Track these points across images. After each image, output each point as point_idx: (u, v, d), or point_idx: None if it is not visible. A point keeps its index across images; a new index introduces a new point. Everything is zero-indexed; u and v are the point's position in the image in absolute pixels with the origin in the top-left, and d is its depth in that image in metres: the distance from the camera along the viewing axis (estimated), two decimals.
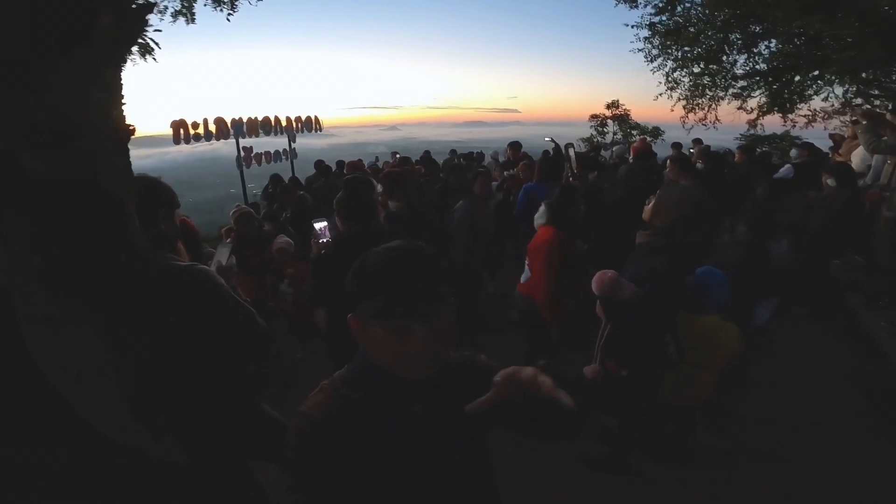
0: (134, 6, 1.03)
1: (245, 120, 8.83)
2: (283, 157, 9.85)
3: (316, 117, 10.47)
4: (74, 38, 0.86)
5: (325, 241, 2.38)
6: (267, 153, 9.37)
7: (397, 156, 8.21)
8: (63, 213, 0.85)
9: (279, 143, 10.04)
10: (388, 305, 0.83)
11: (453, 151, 10.25)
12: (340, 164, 8.84)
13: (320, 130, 10.58)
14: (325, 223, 2.48)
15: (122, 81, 1.00)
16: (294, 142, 10.01)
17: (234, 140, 8.68)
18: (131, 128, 1.04)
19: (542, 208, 3.12)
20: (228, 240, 4.57)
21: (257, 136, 9.06)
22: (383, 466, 0.88)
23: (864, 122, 4.16)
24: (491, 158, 8.68)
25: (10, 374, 0.92)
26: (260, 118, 9.21)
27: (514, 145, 7.00)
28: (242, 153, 8.78)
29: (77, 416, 0.96)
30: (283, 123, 9.73)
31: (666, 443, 2.76)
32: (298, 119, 10.17)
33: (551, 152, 7.24)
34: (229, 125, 8.53)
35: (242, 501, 1.36)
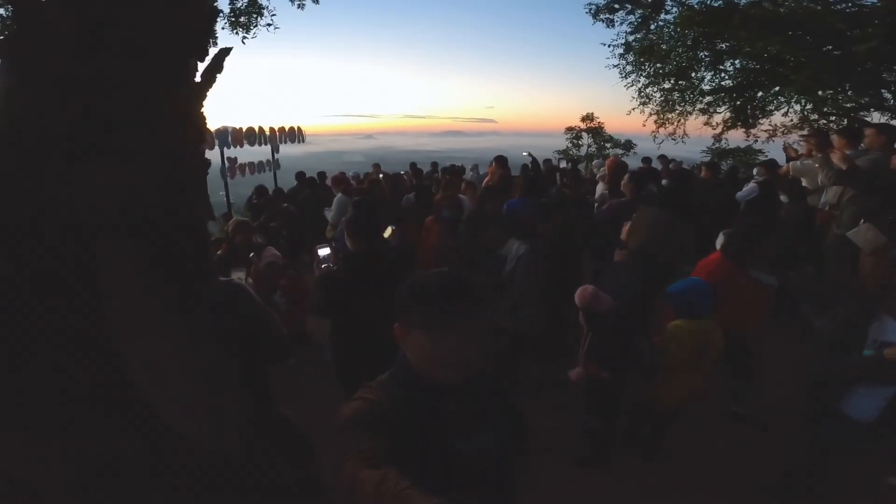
0: (216, 51, 1.18)
1: (230, 130, 8.85)
2: (267, 167, 9.90)
3: (299, 128, 10.55)
4: (179, 80, 1.04)
5: (327, 266, 2.58)
6: (251, 164, 9.40)
7: (380, 170, 8.28)
8: (165, 238, 1.03)
9: (262, 153, 10.08)
10: (432, 317, 1.03)
11: (435, 164, 10.26)
12: (322, 175, 8.92)
13: (303, 141, 10.66)
14: (328, 250, 2.66)
15: (205, 119, 1.16)
16: (277, 152, 10.06)
17: (217, 150, 8.66)
18: (207, 161, 1.21)
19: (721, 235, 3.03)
20: (219, 251, 4.68)
21: (241, 146, 9.08)
22: (417, 454, 1.05)
23: (820, 156, 4.49)
24: (471, 171, 8.82)
25: (99, 380, 1.09)
26: (244, 128, 9.24)
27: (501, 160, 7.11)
28: (227, 164, 8.80)
29: (152, 416, 1.14)
30: (267, 133, 9.78)
31: (642, 441, 3.02)
32: (282, 129, 10.23)
33: (530, 166, 7.52)
34: (214, 135, 8.53)
35: (282, 490, 1.55)
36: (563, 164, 5.99)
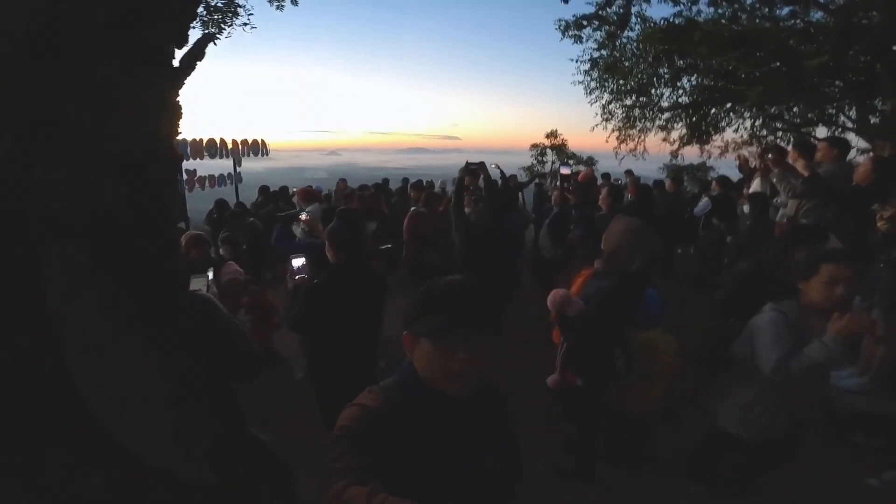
0: (197, 37, 1.06)
1: (189, 141, 8.48)
2: (228, 181, 9.56)
3: (262, 140, 10.27)
4: (152, 64, 0.91)
5: (301, 277, 2.44)
6: (211, 177, 9.05)
7: (346, 185, 8.09)
8: (127, 240, 0.89)
9: (223, 166, 9.74)
10: (442, 327, 0.99)
11: (405, 180, 10.08)
12: (284, 189, 8.72)
13: (267, 154, 10.38)
14: (303, 260, 2.52)
15: (181, 109, 1.04)
16: (240, 165, 9.75)
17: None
18: (180, 156, 1.08)
19: None
20: None
21: (202, 158, 8.73)
22: (416, 463, 1.00)
23: (777, 171, 4.66)
24: (439, 188, 8.74)
25: (51, 406, 0.94)
26: (205, 140, 8.88)
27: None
28: (185, 176, 8.41)
29: (113, 443, 0.99)
30: (229, 146, 9.45)
31: (622, 449, 2.99)
32: (245, 142, 9.93)
33: (500, 181, 7.50)
34: None
35: None
36: (564, 171, 5.69)
